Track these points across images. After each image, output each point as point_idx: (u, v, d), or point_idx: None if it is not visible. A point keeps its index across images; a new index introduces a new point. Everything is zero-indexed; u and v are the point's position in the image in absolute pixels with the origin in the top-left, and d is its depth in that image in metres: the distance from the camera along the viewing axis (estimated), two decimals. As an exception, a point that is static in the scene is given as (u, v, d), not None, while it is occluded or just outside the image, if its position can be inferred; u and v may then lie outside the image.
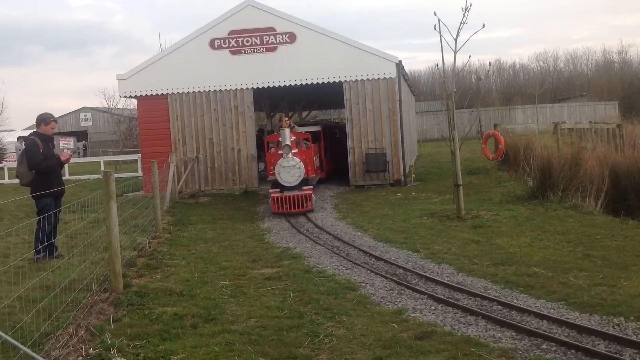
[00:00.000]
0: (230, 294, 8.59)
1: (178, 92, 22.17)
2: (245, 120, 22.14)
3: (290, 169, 16.26)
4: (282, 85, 21.81)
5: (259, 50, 21.77)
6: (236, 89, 22.02)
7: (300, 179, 16.24)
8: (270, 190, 16.62)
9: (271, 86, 21.91)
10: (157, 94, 22.21)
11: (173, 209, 17.54)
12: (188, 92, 22.14)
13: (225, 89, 22.04)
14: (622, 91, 66.97)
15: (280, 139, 17.11)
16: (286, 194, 16.15)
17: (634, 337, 6.32)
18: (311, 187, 16.75)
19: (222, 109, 22.12)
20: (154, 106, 22.26)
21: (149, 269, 10.08)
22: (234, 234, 13.64)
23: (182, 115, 22.22)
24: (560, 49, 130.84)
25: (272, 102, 31.32)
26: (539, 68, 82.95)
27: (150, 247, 11.78)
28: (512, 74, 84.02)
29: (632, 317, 6.88)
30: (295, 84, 21.80)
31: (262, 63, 21.72)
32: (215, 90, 22.09)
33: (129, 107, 55.66)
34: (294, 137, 17.70)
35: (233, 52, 21.87)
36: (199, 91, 22.11)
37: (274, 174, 16.86)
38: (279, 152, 17.02)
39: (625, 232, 11.84)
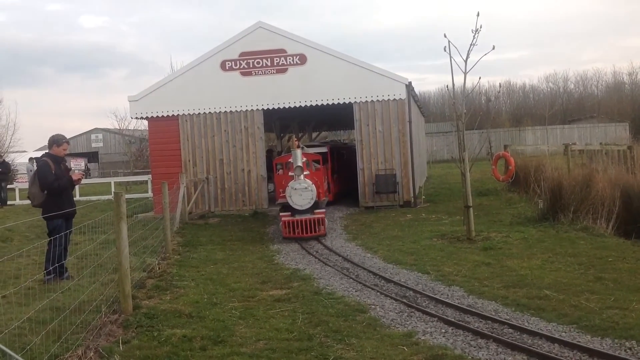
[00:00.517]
0: (240, 315, 8.57)
1: (189, 114, 22.30)
2: (255, 141, 22.21)
3: (302, 191, 15.64)
4: (292, 106, 21.90)
5: (269, 71, 21.91)
6: (246, 110, 22.13)
7: (312, 202, 15.62)
8: (281, 214, 16.07)
9: (281, 107, 22.00)
10: (167, 115, 22.35)
11: (183, 230, 17.57)
12: (199, 113, 22.27)
13: (236, 110, 22.16)
14: (633, 112, 66.74)
15: (291, 160, 16.63)
16: (298, 217, 15.48)
17: (644, 362, 6.26)
18: (324, 210, 16.26)
19: (233, 130, 22.22)
20: (164, 127, 22.39)
21: (159, 290, 10.08)
22: (244, 255, 13.64)
23: (192, 136, 22.34)
24: (570, 70, 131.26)
25: (282, 122, 31.39)
26: (548, 89, 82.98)
27: (159, 268, 11.79)
28: (522, 95, 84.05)
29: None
30: (306, 105, 21.89)
31: (273, 84, 21.84)
32: (225, 112, 22.20)
33: (139, 129, 56.04)
34: (304, 159, 17.14)
35: (244, 74, 22.02)
36: (210, 112, 22.24)
37: (284, 196, 16.44)
38: (290, 173, 16.54)
39: (637, 254, 11.75)
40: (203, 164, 22.29)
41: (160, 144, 22.48)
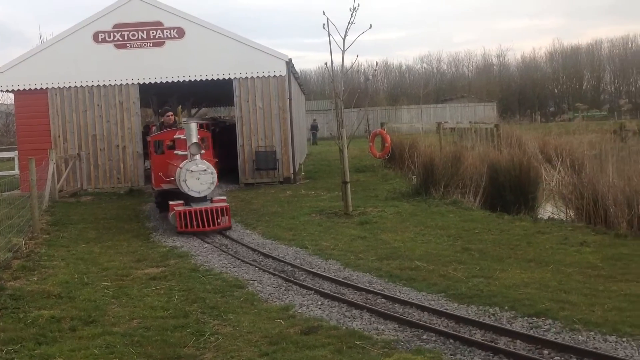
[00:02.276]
0: (113, 295, 8.32)
1: (59, 87, 21.23)
2: (130, 116, 21.52)
3: (201, 174, 12.95)
4: (169, 81, 21.37)
5: (145, 44, 21.22)
6: (121, 84, 21.36)
7: (212, 187, 13.12)
8: (171, 203, 13.15)
9: (158, 82, 21.41)
10: (36, 89, 21.17)
11: (52, 208, 16.78)
12: (69, 86, 21.24)
13: (110, 84, 21.33)
14: (501, 93, 70.50)
15: (179, 136, 13.96)
16: (195, 207, 12.83)
17: (508, 326, 6.65)
18: (224, 197, 13.86)
19: (107, 105, 21.39)
20: (32, 101, 21.22)
21: (25, 270, 9.60)
22: (118, 234, 13.22)
23: (63, 111, 21.30)
24: (444, 52, 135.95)
25: (160, 98, 30.60)
26: (423, 70, 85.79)
27: (26, 248, 11.21)
28: (399, 75, 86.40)
29: (506, 307, 7.23)
30: (184, 80, 21.43)
31: (149, 58, 21.18)
32: (99, 85, 21.32)
33: (5, 102, 52.77)
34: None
35: (118, 46, 21.20)
36: (82, 86, 21.27)
37: (170, 181, 13.84)
38: (178, 152, 13.84)
39: (501, 226, 12.45)
40: (74, 139, 21.33)
41: (28, 118, 21.29)
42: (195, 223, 12.67)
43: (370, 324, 6.93)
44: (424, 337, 6.45)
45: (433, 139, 22.41)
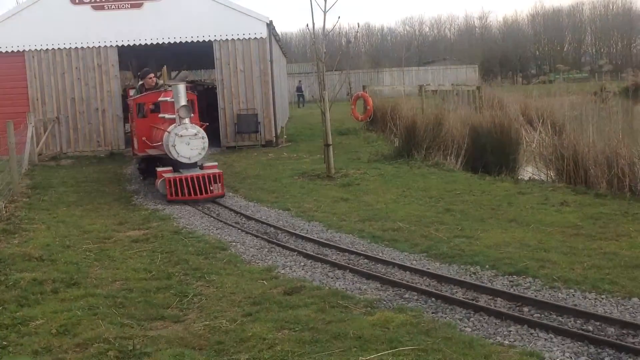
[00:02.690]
0: (95, 257, 8.29)
1: (36, 49, 20.81)
2: (109, 79, 21.19)
3: (191, 138, 12.23)
4: (148, 43, 21.01)
5: (123, 6, 20.80)
6: (99, 46, 20.98)
7: (204, 153, 12.49)
8: (159, 170, 12.51)
9: (137, 44, 21.05)
10: (12, 51, 20.74)
11: (32, 172, 16.60)
12: (47, 49, 20.83)
13: (88, 47, 20.94)
14: (483, 55, 70.34)
15: (164, 98, 13.14)
16: (185, 174, 12.16)
17: (488, 284, 6.73)
18: (215, 163, 13.05)
19: (85, 68, 21.04)
20: (9, 64, 20.78)
21: (6, 234, 9.52)
22: (99, 197, 13.13)
23: (40, 74, 20.92)
24: (426, 14, 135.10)
25: (139, 61, 30.17)
26: (405, 32, 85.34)
27: (6, 211, 11.10)
28: (380, 38, 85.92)
29: (487, 266, 7.31)
30: (163, 43, 21.08)
31: (127, 20, 20.78)
32: (77, 48, 20.93)
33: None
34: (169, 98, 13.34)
35: (95, 8, 20.77)
36: (59, 48, 20.86)
37: (157, 146, 13.13)
38: (163, 115, 13.05)
39: (482, 187, 12.52)
40: (53, 103, 20.99)
41: (5, 81, 20.86)
42: (186, 191, 12.04)
43: (353, 284, 6.98)
44: (406, 296, 6.51)
45: (415, 102, 22.37)
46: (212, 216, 10.91)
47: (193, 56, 31.14)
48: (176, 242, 8.99)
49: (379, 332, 5.50)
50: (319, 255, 8.13)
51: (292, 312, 6.05)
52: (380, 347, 5.16)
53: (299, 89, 50.62)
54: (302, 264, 7.88)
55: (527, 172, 15.58)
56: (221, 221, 10.47)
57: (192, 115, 12.57)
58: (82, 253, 8.48)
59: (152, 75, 14.89)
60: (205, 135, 12.46)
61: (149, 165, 13.82)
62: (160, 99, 13.39)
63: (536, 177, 14.27)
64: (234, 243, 8.94)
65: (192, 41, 21.06)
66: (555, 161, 13.57)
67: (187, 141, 12.23)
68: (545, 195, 11.35)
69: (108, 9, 20.77)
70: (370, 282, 7.03)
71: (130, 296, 6.67)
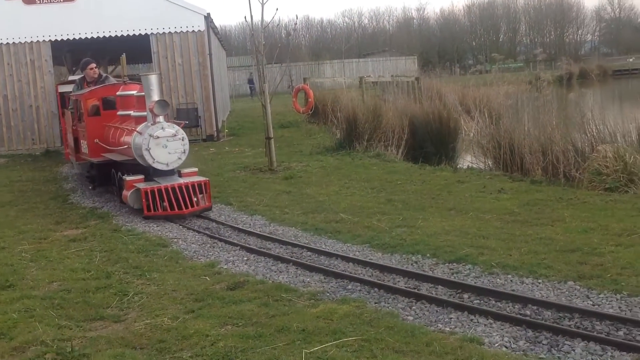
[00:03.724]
0: (31, 258, 8.06)
1: (-37, 45, 20.10)
2: (43, 75, 20.61)
3: (169, 141, 10.23)
4: (83, 37, 20.51)
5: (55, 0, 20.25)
6: (32, 41, 20.38)
7: (184, 158, 10.46)
8: (129, 179, 10.38)
9: (71, 39, 20.53)
10: (-62, 47, 19.98)
11: (-37, 172, 16.04)
12: (-25, 44, 20.13)
13: (20, 42, 20.33)
14: (421, 46, 71.27)
15: (130, 92, 11.48)
16: (163, 183, 10.13)
17: (430, 273, 6.82)
18: (196, 169, 10.95)
19: (17, 64, 20.42)
20: None
21: None
22: (35, 196, 12.76)
23: (-31, 70, 20.22)
24: (364, 6, 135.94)
25: (74, 56, 29.49)
26: (345, 24, 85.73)
27: (-64, 214, 10.69)
28: (320, 30, 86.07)
29: (428, 255, 7.41)
30: (99, 37, 20.62)
31: (61, 13, 20.22)
32: (8, 43, 20.29)
33: None
34: (135, 92, 11.46)
35: (27, 2, 20.12)
36: (-11, 44, 20.20)
37: (122, 150, 11.10)
38: (132, 112, 11.17)
39: (422, 177, 12.69)
40: (-16, 100, 20.31)
41: None
42: (167, 204, 10.00)
43: (296, 277, 6.98)
44: (349, 287, 6.55)
45: (355, 93, 22.50)
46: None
47: (130, 50, 30.52)
48: (115, 240, 8.82)
49: (322, 324, 5.51)
50: (262, 249, 8.10)
51: (235, 308, 6.01)
52: (324, 339, 5.18)
53: (250, 81, 50.35)
54: (245, 258, 7.83)
55: (466, 161, 15.90)
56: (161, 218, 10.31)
57: (167, 112, 10.58)
58: (18, 254, 8.23)
59: (93, 65, 13.26)
60: (185, 135, 10.52)
61: (102, 172, 11.94)
62: (118, 93, 11.78)
63: (474, 166, 14.56)
64: (176, 239, 8.82)
65: (129, 35, 20.66)
66: (492, 150, 13.88)
67: (164, 143, 10.20)
68: (483, 183, 11.58)
69: (40, 2, 20.19)
70: (313, 274, 7.04)
71: (68, 297, 6.51)
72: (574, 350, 4.88)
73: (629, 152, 10.78)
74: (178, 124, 10.72)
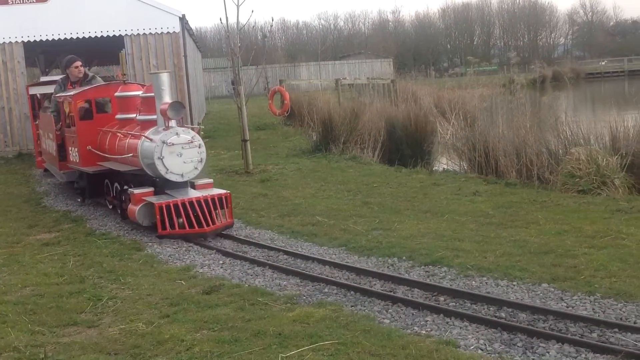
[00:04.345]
0: (3, 263, 7.95)
1: None
2: (16, 76, 20.32)
3: (184, 148, 9.07)
4: (56, 38, 20.26)
5: (27, 0, 19.98)
6: (3, 42, 20.08)
7: (200, 167, 9.34)
8: (137, 192, 9.18)
9: (44, 39, 20.26)
10: None
11: None
12: (-55, 45, 19.81)
13: (-9, 43, 20.04)
14: (396, 49, 71.60)
15: (138, 92, 10.26)
16: (178, 197, 8.91)
17: (406, 275, 6.84)
18: (211, 180, 9.85)
19: (-12, 65, 20.13)
20: None
21: None
22: (7, 199, 12.58)
23: (-61, 71, 19.87)
24: (340, 9, 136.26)
25: (47, 57, 29.17)
26: (320, 26, 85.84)
27: None
28: (296, 32, 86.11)
29: (404, 257, 7.43)
30: (72, 38, 20.39)
31: (33, 14, 19.95)
32: (-21, 44, 19.99)
33: None
34: (140, 92, 10.28)
35: (-2, 2, 19.86)
36: (-41, 44, 19.88)
37: (124, 159, 9.86)
38: (137, 115, 9.90)
39: (398, 179, 12.74)
40: (-46, 102, 19.99)
41: None
42: (185, 222, 8.77)
43: (272, 280, 6.96)
44: (326, 290, 6.54)
45: (332, 96, 22.54)
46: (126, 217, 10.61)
47: (104, 51, 30.27)
48: (89, 244, 8.72)
49: (299, 327, 5.50)
50: (238, 253, 8.06)
51: (211, 312, 5.97)
52: (300, 343, 5.16)
53: (234, 82, 50.21)
54: (221, 262, 7.79)
55: (442, 163, 15.99)
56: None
57: (182, 115, 9.47)
58: (-11, 259, 8.11)
59: (78, 63, 12.08)
60: (202, 142, 9.38)
61: (94, 183, 10.86)
62: (117, 94, 10.62)
63: (450, 168, 14.65)
64: (150, 243, 8.74)
65: (103, 36, 20.47)
66: (467, 152, 13.97)
67: (178, 151, 9.02)
68: (459, 186, 11.65)
69: (12, 3, 19.90)
70: (290, 277, 7.02)
71: (41, 302, 6.43)
72: (548, 352, 4.93)
73: (601, 154, 10.92)
74: (193, 129, 9.61)
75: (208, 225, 8.78)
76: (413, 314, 5.82)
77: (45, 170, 14.74)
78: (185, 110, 9.63)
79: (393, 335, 5.26)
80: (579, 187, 10.61)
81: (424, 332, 5.41)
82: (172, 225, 8.79)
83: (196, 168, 9.24)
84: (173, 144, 8.98)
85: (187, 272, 7.38)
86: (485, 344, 5.12)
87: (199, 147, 9.23)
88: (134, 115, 10.08)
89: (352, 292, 6.42)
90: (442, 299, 6.15)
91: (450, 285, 6.46)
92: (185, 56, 21.12)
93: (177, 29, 20.77)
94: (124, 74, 10.87)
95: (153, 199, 8.97)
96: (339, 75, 43.67)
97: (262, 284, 6.86)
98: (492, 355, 4.94)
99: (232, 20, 14.71)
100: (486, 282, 6.48)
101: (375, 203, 10.54)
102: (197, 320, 5.77)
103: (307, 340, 5.21)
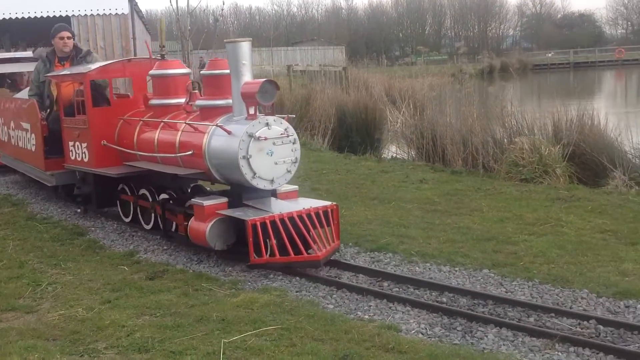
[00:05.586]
0: (-62, 248, 7.70)
1: None
2: (-45, 55, 19.63)
3: (277, 144, 6.72)
4: (0, 18, 19.64)
5: (-32, -24, 19.31)
6: (-59, 20, 19.41)
7: (294, 170, 6.97)
8: (207, 204, 6.71)
9: (-15, 18, 19.64)
10: None
11: None
12: None
13: None
14: (349, 36, 71.74)
15: (173, 70, 8.01)
16: (274, 211, 6.58)
17: (351, 262, 6.86)
18: (296, 188, 7.41)
19: None
20: None
21: None
22: (-56, 183, 12.20)
23: None
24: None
25: (-10, 36, 28.29)
26: (273, 12, 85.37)
27: None
28: (249, 17, 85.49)
29: (350, 244, 7.44)
30: (17, 17, 19.79)
31: (-27, -9, 19.33)
32: None
33: None
34: (184, 70, 8.34)
35: None
36: None
37: (171, 160, 7.41)
38: (198, 101, 7.29)
39: (347, 166, 12.80)
40: None
41: None
42: (289, 246, 6.39)
43: (217, 266, 6.90)
44: (271, 276, 6.52)
45: (284, 82, 22.43)
46: (69, 201, 10.36)
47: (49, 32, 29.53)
48: (30, 229, 8.52)
49: (242, 313, 5.48)
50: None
51: (153, 298, 5.90)
52: (243, 328, 5.15)
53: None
54: (166, 247, 7.69)
55: (390, 151, 16.13)
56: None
57: (274, 100, 6.74)
58: None
59: (64, 34, 9.40)
60: (296, 136, 7.01)
61: (105, 189, 8.58)
62: (153, 72, 8.17)
63: (398, 156, 14.78)
64: (93, 228, 8.59)
65: (49, 16, 19.89)
66: (415, 140, 14.11)
67: (269, 149, 6.66)
68: (406, 174, 11.76)
69: (-49, -21, 19.19)
70: (235, 263, 6.99)
71: (-23, 288, 6.26)
72: (486, 336, 5.03)
73: (544, 144, 11.16)
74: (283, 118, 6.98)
75: (319, 249, 6.51)
76: (357, 299, 5.86)
77: (3, 165, 12.06)
78: (278, 92, 6.87)
79: (336, 320, 5.30)
80: (522, 176, 10.83)
81: (367, 317, 5.46)
82: (269, 251, 6.44)
83: (289, 171, 6.91)
84: (265, 139, 6.63)
85: (130, 257, 7.28)
86: (426, 328, 5.20)
87: (293, 143, 6.90)
88: (182, 100, 7.72)
89: (297, 278, 6.42)
90: (386, 284, 6.21)
91: (395, 271, 6.53)
92: (134, 39, 20.71)
93: (126, 10, 20.33)
94: (162, 46, 8.49)
95: (236, 213, 6.64)
96: (291, 62, 43.55)
97: (207, 269, 6.81)
98: (432, 339, 5.02)
99: (183, 3, 14.50)
100: (429, 268, 6.58)
101: (323, 190, 10.56)
102: (139, 306, 5.70)
103: (250, 325, 5.20)
